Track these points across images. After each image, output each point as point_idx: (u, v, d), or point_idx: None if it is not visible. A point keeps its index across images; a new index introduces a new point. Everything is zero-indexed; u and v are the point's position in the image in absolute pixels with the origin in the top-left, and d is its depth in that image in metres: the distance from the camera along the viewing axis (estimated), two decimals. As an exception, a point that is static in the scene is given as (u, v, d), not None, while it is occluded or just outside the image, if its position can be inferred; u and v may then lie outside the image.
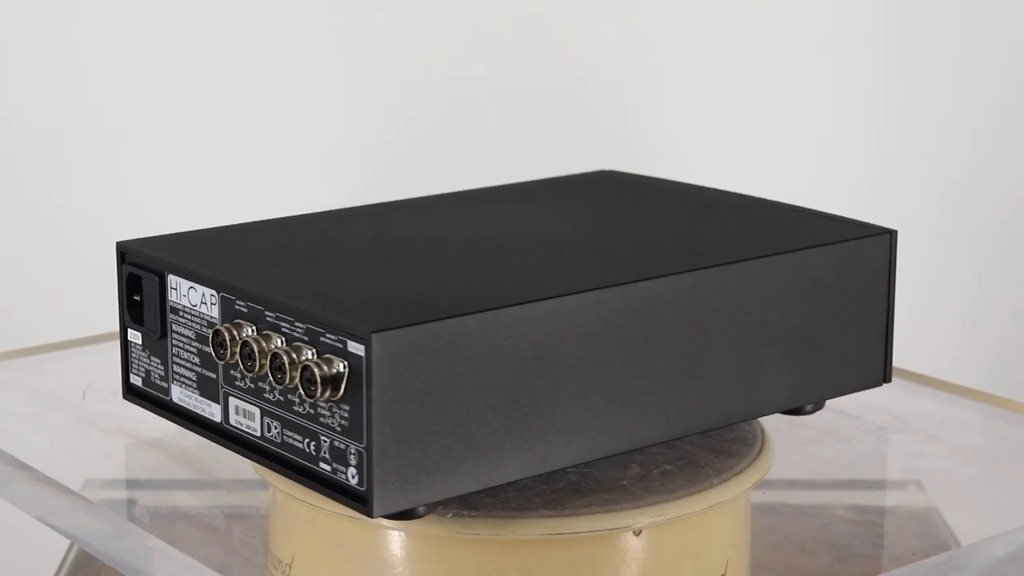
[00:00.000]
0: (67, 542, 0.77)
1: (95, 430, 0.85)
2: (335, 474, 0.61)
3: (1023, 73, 1.25)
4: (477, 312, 0.60)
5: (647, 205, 0.77)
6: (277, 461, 0.64)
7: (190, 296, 0.68)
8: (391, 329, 0.59)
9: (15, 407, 0.89)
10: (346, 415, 0.60)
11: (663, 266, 0.66)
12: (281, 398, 0.63)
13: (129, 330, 0.71)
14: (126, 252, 0.70)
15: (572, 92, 1.29)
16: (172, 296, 0.68)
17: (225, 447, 0.66)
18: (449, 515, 0.63)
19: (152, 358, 0.70)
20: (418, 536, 0.64)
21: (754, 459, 0.69)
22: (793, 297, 0.69)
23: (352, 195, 1.18)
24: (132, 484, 0.81)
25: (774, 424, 0.74)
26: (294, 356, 0.61)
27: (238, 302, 0.65)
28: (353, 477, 0.60)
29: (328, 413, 0.61)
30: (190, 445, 0.81)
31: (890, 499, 0.82)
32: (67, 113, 1.26)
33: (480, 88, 1.30)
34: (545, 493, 0.65)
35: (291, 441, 0.63)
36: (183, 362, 0.67)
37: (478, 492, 0.64)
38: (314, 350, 0.61)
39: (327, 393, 0.60)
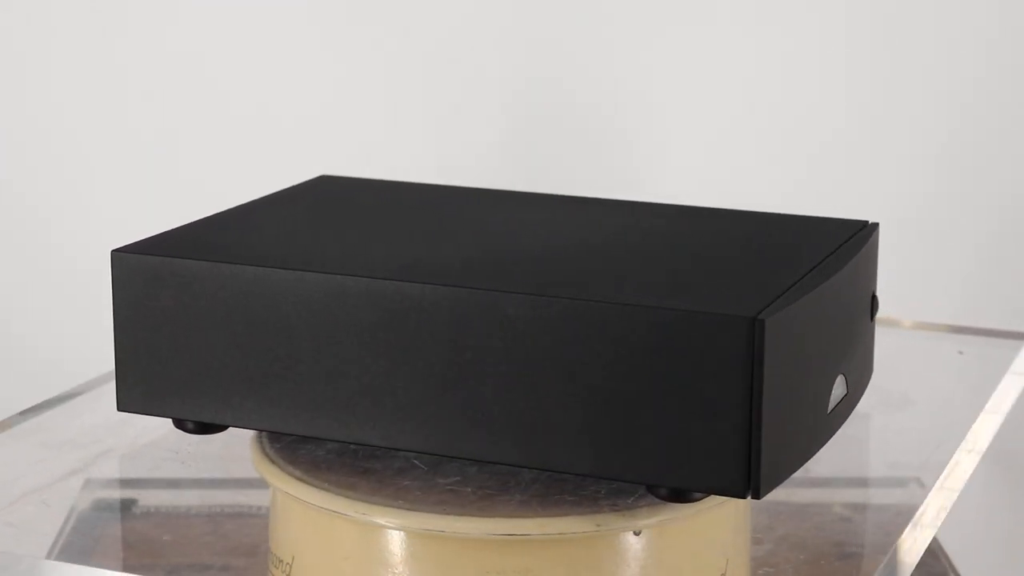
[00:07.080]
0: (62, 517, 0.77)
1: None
2: None
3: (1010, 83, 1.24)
4: (212, 261, 0.66)
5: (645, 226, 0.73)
6: None
7: None
8: (131, 253, 0.67)
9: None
10: None
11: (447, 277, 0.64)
12: None
13: None
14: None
15: (576, 91, 1.29)
16: None
17: None
18: (448, 513, 0.63)
19: None
20: (418, 536, 0.64)
21: (754, 459, 0.69)
22: (600, 355, 0.61)
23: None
24: (132, 483, 0.81)
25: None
26: None
27: None
28: None
29: None
30: (191, 441, 0.81)
31: (890, 497, 0.82)
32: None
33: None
34: (545, 492, 0.65)
35: None
36: None
37: (477, 489, 0.64)
38: None
39: None
